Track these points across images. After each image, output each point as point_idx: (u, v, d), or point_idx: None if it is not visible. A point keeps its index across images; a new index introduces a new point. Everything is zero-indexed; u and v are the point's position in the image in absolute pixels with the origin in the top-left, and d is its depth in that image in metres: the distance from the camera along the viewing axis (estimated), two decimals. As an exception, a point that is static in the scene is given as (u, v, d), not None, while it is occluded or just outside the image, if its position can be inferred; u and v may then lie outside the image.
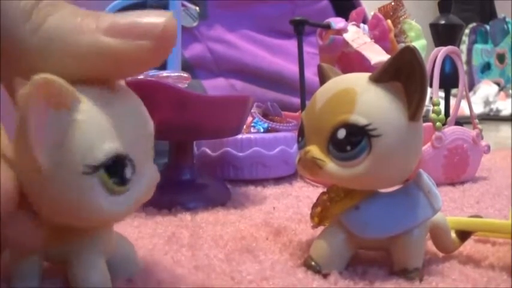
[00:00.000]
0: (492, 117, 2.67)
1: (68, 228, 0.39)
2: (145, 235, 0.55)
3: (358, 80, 0.43)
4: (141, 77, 0.71)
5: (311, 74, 1.37)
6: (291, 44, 1.64)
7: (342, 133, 0.40)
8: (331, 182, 0.46)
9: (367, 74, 0.43)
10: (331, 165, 0.41)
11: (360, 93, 0.41)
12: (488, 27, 3.38)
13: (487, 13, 3.69)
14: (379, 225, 0.44)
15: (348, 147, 0.40)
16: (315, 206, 0.47)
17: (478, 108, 2.66)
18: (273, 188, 0.82)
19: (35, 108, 0.31)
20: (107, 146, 0.33)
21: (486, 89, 2.83)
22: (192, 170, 0.71)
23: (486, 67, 3.32)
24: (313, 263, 0.45)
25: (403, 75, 0.40)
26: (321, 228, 0.48)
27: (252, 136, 0.82)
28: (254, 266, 0.46)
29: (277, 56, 1.62)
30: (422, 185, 0.45)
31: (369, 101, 0.41)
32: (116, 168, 0.34)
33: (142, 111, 0.38)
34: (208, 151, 0.83)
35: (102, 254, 0.40)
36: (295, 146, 0.87)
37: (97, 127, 0.34)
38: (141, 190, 0.37)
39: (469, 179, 0.88)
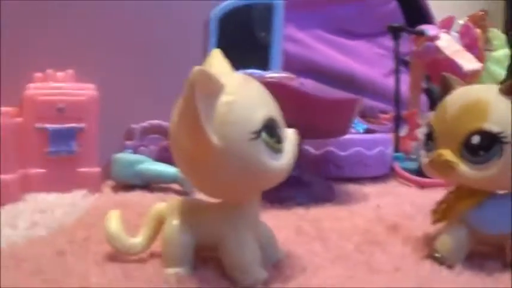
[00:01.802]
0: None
1: (218, 209, 0.46)
2: (272, 227, 0.58)
3: (489, 91, 0.47)
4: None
5: (379, 75, 1.40)
6: (361, 45, 1.67)
7: (476, 139, 0.45)
8: (448, 183, 0.51)
9: (496, 86, 0.47)
10: (463, 168, 0.46)
11: (492, 104, 0.45)
12: None
13: None
14: (500, 223, 0.48)
15: (481, 152, 0.45)
16: (441, 202, 0.51)
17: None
18: (371, 187, 0.86)
19: (199, 94, 0.38)
20: (260, 113, 0.41)
21: None
22: (300, 168, 0.76)
23: None
24: (438, 255, 0.49)
25: (531, 90, 0.45)
26: (437, 225, 0.52)
27: (354, 136, 0.87)
28: (384, 257, 0.51)
29: (348, 56, 1.65)
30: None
31: (501, 111, 0.45)
32: (272, 130, 0.42)
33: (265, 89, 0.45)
34: (311, 149, 0.88)
35: (251, 233, 0.45)
36: (390, 147, 0.91)
37: (247, 101, 0.41)
38: (291, 149, 0.44)
39: None
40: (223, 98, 0.40)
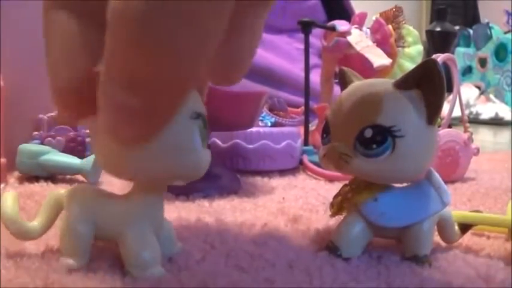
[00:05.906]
0: (471, 120, 2.73)
1: (122, 201, 0.45)
2: (172, 219, 0.58)
3: (384, 85, 0.48)
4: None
5: (299, 70, 1.41)
6: (281, 40, 1.68)
7: (368, 132, 0.46)
8: (351, 176, 0.51)
9: (390, 81, 0.48)
10: (356, 161, 0.46)
11: (385, 98, 0.46)
12: (471, 31, 3.44)
13: (470, 17, 3.75)
14: (395, 216, 0.49)
15: (374, 146, 0.45)
16: (336, 196, 0.52)
17: (458, 111, 2.70)
18: (278, 180, 0.87)
19: None
20: (201, 104, 0.42)
21: (467, 92, 2.89)
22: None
23: (467, 70, 3.38)
24: (334, 248, 0.50)
25: (424, 84, 0.46)
26: (338, 218, 0.53)
27: (261, 130, 0.87)
28: (280, 249, 0.51)
29: (267, 51, 1.66)
30: (433, 181, 0.50)
31: (394, 105, 0.46)
32: (203, 122, 0.41)
33: None
34: (219, 142, 0.88)
35: (152, 227, 0.44)
36: (299, 141, 0.92)
37: None
38: (208, 153, 0.43)
39: (459, 179, 0.93)
40: None
